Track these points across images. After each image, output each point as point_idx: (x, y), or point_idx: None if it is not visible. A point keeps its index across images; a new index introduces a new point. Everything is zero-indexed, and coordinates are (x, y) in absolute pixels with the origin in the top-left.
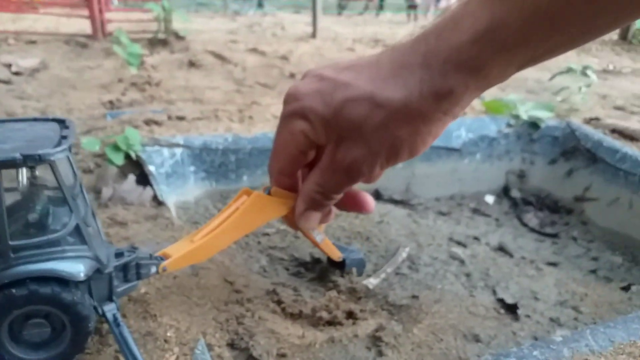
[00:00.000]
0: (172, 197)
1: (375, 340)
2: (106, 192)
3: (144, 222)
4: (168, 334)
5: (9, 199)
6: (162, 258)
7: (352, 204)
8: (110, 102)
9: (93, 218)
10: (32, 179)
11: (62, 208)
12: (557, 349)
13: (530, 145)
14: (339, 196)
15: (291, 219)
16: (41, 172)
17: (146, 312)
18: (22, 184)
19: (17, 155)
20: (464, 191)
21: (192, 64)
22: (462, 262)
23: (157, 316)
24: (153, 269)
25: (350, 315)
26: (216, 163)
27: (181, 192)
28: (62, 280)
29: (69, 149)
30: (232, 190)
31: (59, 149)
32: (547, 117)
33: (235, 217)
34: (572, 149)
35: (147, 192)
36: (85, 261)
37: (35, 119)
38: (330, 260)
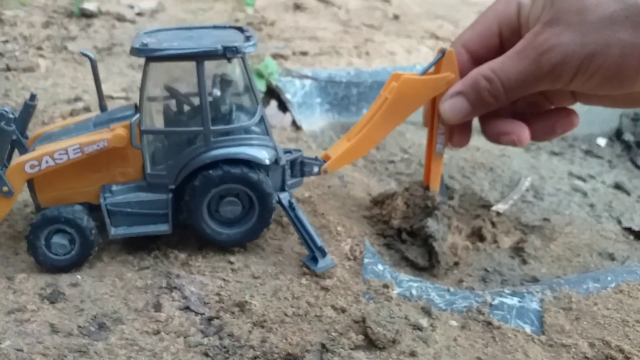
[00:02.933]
0: (303, 125)
1: (517, 251)
2: None
3: (287, 143)
4: (338, 229)
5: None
6: (324, 160)
7: (506, 131)
8: None
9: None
10: (222, 75)
11: (247, 103)
12: None
13: None
14: (503, 99)
15: (432, 108)
16: (225, 69)
17: (315, 211)
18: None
19: (219, 46)
20: (576, 133)
21: (297, 7)
22: (584, 194)
23: (325, 214)
24: (315, 169)
25: (488, 232)
26: (339, 95)
27: (310, 122)
28: (248, 163)
29: (255, 45)
30: (352, 122)
31: (250, 43)
32: None
33: (386, 107)
34: None
35: (287, 118)
36: (268, 149)
37: (215, 26)
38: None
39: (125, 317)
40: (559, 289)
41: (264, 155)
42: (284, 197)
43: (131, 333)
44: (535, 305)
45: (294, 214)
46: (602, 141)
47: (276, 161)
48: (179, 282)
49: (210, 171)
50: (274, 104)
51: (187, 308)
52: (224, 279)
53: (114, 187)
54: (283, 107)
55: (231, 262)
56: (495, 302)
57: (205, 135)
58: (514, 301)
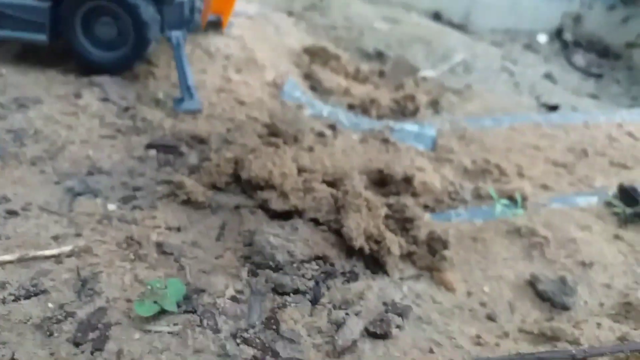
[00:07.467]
0: None
1: (434, 104)
2: None
3: None
4: (265, 63)
5: None
6: None
7: None
8: None
9: None
10: None
11: None
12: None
13: None
14: None
15: None
16: None
17: (244, 46)
18: None
19: None
20: (519, 27)
21: None
22: (512, 74)
23: (254, 51)
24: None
25: (409, 88)
26: None
27: None
28: None
29: None
30: None
31: None
32: None
33: None
34: None
35: None
36: None
37: None
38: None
39: (46, 100)
40: (458, 123)
41: None
42: (175, 34)
43: (50, 111)
44: (432, 132)
45: (177, 52)
46: (542, 38)
47: None
48: (100, 80)
49: None
50: None
51: (105, 99)
52: (144, 85)
53: None
54: None
55: (153, 74)
56: (397, 127)
57: None
58: (414, 128)
